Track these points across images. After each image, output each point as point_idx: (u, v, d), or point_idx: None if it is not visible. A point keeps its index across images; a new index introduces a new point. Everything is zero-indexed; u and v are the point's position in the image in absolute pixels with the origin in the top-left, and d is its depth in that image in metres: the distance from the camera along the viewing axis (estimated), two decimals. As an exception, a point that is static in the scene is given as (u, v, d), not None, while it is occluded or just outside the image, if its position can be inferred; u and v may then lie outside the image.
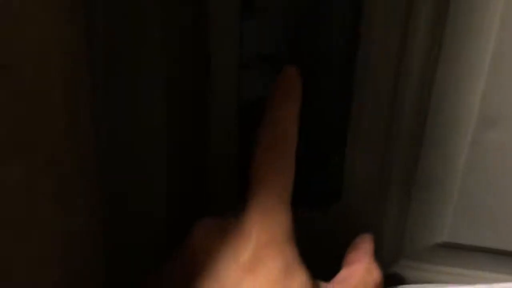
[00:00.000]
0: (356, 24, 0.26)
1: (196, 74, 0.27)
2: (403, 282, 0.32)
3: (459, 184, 0.30)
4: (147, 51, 0.24)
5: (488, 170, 0.29)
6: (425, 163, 0.29)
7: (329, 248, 0.30)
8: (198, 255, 0.25)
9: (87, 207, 0.21)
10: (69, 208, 0.19)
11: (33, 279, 0.18)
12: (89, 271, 0.22)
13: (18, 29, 0.16)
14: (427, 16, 0.26)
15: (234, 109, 0.28)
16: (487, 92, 0.27)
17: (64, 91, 0.19)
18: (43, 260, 0.18)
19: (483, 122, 0.28)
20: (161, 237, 0.27)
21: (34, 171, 0.17)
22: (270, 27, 0.27)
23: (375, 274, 0.27)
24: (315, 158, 0.29)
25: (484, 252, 0.32)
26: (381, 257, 0.29)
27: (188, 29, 0.25)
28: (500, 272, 0.31)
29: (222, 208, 0.29)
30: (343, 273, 0.27)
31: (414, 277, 0.32)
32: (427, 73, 0.27)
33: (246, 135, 0.28)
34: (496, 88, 0.27)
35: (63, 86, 0.19)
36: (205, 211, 0.28)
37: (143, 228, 0.27)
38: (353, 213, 0.31)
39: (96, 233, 0.22)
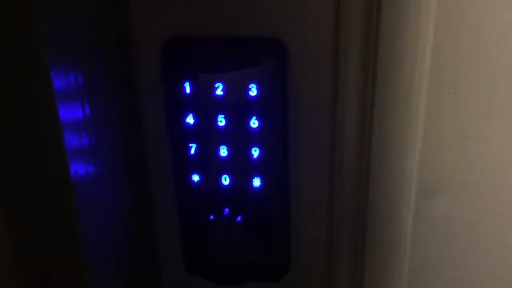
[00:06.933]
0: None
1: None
2: None
3: (408, 255, 0.30)
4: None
5: (435, 240, 0.29)
6: (372, 234, 0.29)
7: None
8: None
9: None
10: None
11: None
12: None
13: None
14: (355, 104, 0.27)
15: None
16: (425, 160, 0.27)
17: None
18: None
19: (424, 191, 0.28)
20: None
21: None
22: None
23: None
24: (261, 232, 0.30)
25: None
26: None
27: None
28: None
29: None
30: None
31: None
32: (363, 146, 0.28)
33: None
34: (433, 156, 0.27)
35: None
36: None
37: None
38: (304, 283, 0.31)
39: None
